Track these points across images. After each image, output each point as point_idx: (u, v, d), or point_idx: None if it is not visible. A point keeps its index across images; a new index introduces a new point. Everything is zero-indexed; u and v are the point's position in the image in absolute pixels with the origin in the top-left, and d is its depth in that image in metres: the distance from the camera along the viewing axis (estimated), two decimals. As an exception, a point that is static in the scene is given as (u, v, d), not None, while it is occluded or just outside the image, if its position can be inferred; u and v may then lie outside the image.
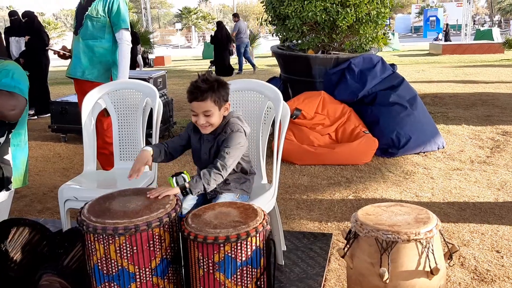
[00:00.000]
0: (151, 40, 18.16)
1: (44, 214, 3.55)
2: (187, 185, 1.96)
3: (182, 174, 2.00)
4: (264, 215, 1.80)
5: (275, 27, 5.43)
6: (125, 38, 3.34)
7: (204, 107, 2.04)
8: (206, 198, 2.22)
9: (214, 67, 14.01)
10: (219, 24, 14.32)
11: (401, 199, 3.52)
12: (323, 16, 4.80)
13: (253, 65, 14.02)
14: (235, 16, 14.49)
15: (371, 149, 4.48)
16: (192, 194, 2.00)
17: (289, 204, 3.55)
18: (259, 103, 2.42)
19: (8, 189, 2.49)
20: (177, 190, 1.95)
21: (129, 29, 3.39)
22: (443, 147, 4.69)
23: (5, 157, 2.42)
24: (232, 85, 2.26)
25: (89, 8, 3.33)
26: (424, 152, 4.58)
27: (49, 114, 6.21)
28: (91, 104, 2.72)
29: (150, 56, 18.52)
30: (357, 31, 4.98)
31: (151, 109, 2.73)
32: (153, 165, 2.69)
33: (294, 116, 4.74)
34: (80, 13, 3.40)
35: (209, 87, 2.03)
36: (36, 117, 7.66)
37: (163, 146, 2.21)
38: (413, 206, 1.71)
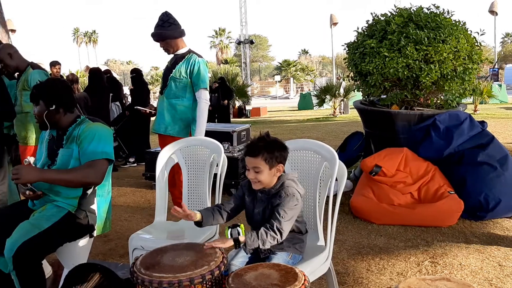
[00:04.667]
0: (248, 92, 18.94)
1: (124, 259, 3.77)
2: (241, 239, 2.02)
3: (238, 228, 2.06)
4: (305, 280, 1.78)
5: (357, 83, 5.44)
6: (203, 97, 3.60)
7: (253, 163, 2.13)
8: (259, 257, 2.25)
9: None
10: (223, 80, 14.80)
11: (481, 267, 3.23)
12: (405, 73, 4.73)
13: None
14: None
15: (456, 211, 4.20)
16: (245, 251, 2.05)
17: (359, 266, 3.43)
18: (316, 163, 2.44)
19: (91, 236, 2.73)
20: (230, 243, 2.01)
21: (208, 88, 3.64)
22: (541, 212, 4.25)
23: (91, 206, 2.67)
24: (289, 144, 2.32)
25: (174, 70, 3.65)
26: (518, 217, 4.20)
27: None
28: (164, 159, 2.94)
29: (247, 107, 19.33)
30: (442, 87, 4.82)
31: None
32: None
33: (374, 173, 4.64)
34: (166, 75, 3.74)
35: (263, 146, 2.13)
36: (136, 164, 8.29)
37: (217, 208, 2.28)
38: (461, 282, 1.59)
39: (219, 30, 56.94)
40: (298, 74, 49.02)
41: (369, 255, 3.62)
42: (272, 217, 2.11)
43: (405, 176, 4.62)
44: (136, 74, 8.78)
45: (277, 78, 43.01)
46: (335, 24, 24.00)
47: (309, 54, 67.24)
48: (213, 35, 57.78)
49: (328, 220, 2.37)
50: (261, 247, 2.05)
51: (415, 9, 5.07)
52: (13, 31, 16.17)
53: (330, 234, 2.34)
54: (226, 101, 13.49)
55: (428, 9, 5.10)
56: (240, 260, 2.18)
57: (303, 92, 27.17)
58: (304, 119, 16.36)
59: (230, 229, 2.04)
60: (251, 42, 24.64)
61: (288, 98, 35.84)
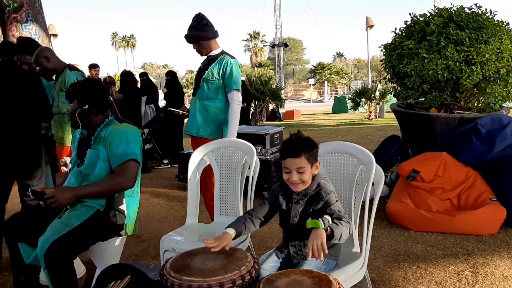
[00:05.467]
0: (282, 95, 18.87)
1: (156, 260, 3.77)
2: (329, 225, 1.94)
3: (324, 216, 1.97)
4: (339, 288, 1.71)
5: (394, 85, 5.29)
6: (235, 98, 3.56)
7: (298, 164, 2.07)
8: (291, 263, 2.19)
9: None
10: (242, 83, 14.45)
11: (527, 280, 3.06)
12: (445, 75, 4.55)
13: None
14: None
15: (498, 219, 4.01)
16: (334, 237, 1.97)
17: (396, 274, 3.30)
18: (351, 166, 2.36)
19: (120, 235, 2.74)
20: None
21: (240, 90, 3.60)
22: None
23: (120, 207, 2.68)
24: (324, 147, 2.26)
25: (206, 71, 3.63)
26: None
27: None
28: (196, 161, 2.91)
29: (281, 111, 19.27)
30: (484, 90, 4.62)
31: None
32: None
33: (411, 178, 4.49)
34: (199, 76, 3.72)
35: (303, 144, 2.09)
36: (169, 166, 8.36)
37: (249, 216, 2.20)
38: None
39: (254, 33, 57.05)
40: (332, 77, 48.54)
41: (406, 263, 3.49)
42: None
43: (444, 182, 4.45)
44: (171, 76, 8.89)
45: (311, 81, 42.76)
46: (371, 26, 23.59)
47: (344, 57, 66.47)
48: (247, 39, 57.96)
49: (364, 226, 2.29)
50: (342, 236, 1.96)
51: (455, 9, 4.89)
52: (54, 35, 16.66)
53: (366, 240, 2.25)
54: (245, 104, 13.46)
55: (469, 9, 4.91)
56: (271, 265, 2.12)
57: (338, 95, 26.89)
58: (338, 122, 16.16)
59: (321, 220, 1.92)
60: (285, 45, 24.59)
61: (322, 102, 35.55)
